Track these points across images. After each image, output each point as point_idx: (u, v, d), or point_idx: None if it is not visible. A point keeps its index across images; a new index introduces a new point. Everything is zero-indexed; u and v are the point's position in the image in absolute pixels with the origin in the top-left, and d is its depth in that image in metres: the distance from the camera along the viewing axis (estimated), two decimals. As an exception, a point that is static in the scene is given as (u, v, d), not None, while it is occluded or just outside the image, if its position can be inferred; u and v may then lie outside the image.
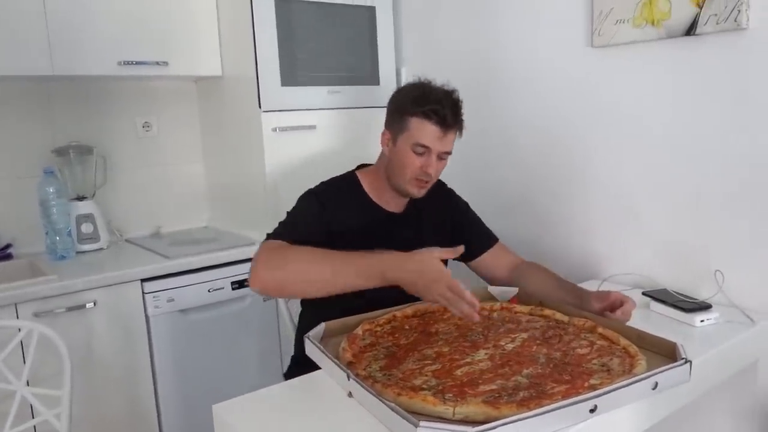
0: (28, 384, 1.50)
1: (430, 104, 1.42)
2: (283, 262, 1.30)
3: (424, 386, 1.02)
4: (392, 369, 1.10)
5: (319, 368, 1.17)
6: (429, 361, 1.13)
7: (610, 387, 0.95)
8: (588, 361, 1.11)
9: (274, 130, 2.13)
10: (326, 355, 1.13)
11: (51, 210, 2.06)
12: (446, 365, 1.11)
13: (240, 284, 2.13)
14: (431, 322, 1.34)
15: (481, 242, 1.63)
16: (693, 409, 1.39)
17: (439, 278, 1.18)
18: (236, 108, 2.29)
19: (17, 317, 1.73)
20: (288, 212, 1.50)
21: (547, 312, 1.35)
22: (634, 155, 1.70)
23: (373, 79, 2.37)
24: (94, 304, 1.86)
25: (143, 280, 1.95)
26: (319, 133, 2.25)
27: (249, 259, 2.10)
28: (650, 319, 1.45)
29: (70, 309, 1.81)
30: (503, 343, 1.20)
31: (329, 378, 1.14)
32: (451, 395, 0.97)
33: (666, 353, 1.11)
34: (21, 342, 1.54)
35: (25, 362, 1.50)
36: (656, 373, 1.00)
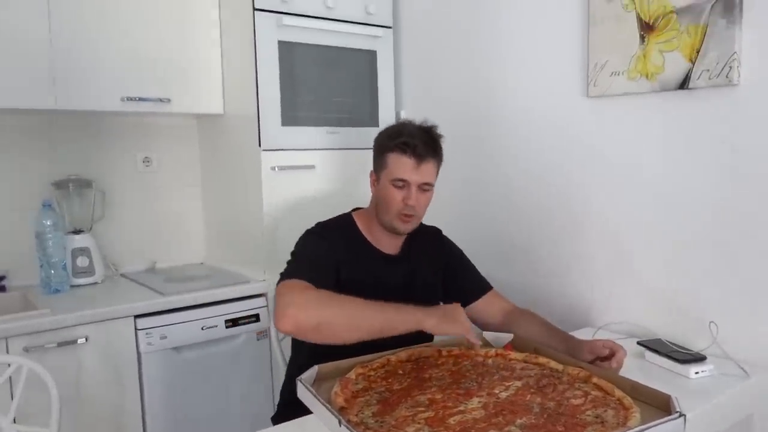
0: (15, 421, 1.48)
1: (402, 137, 1.48)
2: (325, 306, 1.30)
3: (416, 434, 1.00)
4: (385, 415, 1.09)
5: (309, 412, 1.16)
6: (422, 408, 1.12)
7: (604, 440, 0.94)
8: (582, 411, 1.10)
9: (273, 168, 2.15)
10: (318, 399, 1.12)
11: (47, 243, 2.06)
12: (439, 413, 1.10)
13: (234, 322, 2.11)
14: (425, 368, 1.33)
15: (474, 289, 1.64)
16: (688, 463, 1.38)
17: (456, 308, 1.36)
18: (236, 146, 2.31)
19: (7, 351, 1.71)
20: (295, 252, 1.50)
21: (542, 360, 1.35)
22: (628, 204, 1.72)
23: (372, 121, 2.40)
24: (86, 339, 1.84)
25: (136, 317, 1.94)
26: (318, 173, 2.27)
27: (243, 298, 2.14)
28: (645, 369, 1.45)
29: (61, 344, 1.80)
30: (497, 391, 1.19)
31: (320, 423, 1.12)
32: (443, 445, 0.96)
33: (660, 405, 1.10)
34: (9, 378, 1.52)
35: (12, 398, 1.48)
36: (650, 427, 0.99)
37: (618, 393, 1.15)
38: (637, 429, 0.98)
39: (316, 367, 1.27)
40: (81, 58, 2.03)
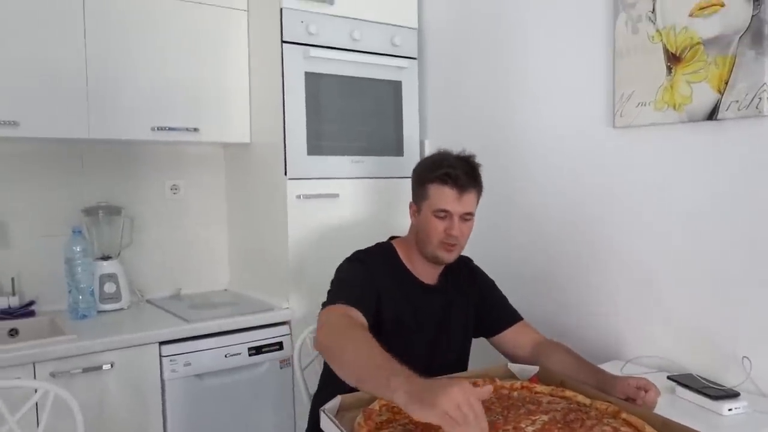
0: (39, 446, 1.49)
1: (443, 168, 1.49)
2: (342, 336, 1.28)
3: (441, 469, 0.99)
4: (409, 448, 1.08)
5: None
6: (447, 442, 1.10)
7: (635, 479, 0.91)
8: (611, 448, 1.07)
9: (299, 197, 2.17)
10: (341, 431, 1.11)
11: (76, 269, 2.10)
12: (464, 447, 1.07)
13: (257, 350, 2.11)
14: (449, 400, 1.31)
15: (505, 318, 1.64)
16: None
17: (463, 390, 0.98)
18: (262, 174, 2.34)
19: (34, 376, 1.73)
20: (336, 279, 1.52)
21: (569, 393, 1.32)
22: (656, 235, 1.70)
23: (397, 150, 2.42)
24: (111, 365, 1.85)
25: (161, 343, 1.95)
26: (342, 202, 2.28)
27: (267, 325, 2.14)
28: (676, 405, 1.41)
29: (86, 370, 1.81)
30: (523, 426, 1.17)
31: (344, 455, 1.11)
32: (469, 480, 0.94)
33: (693, 444, 1.07)
34: (36, 403, 1.53)
35: (38, 424, 1.49)
36: (683, 466, 0.96)
37: (648, 430, 1.12)
38: (669, 468, 0.95)
39: (339, 398, 1.26)
40: (114, 90, 2.09)
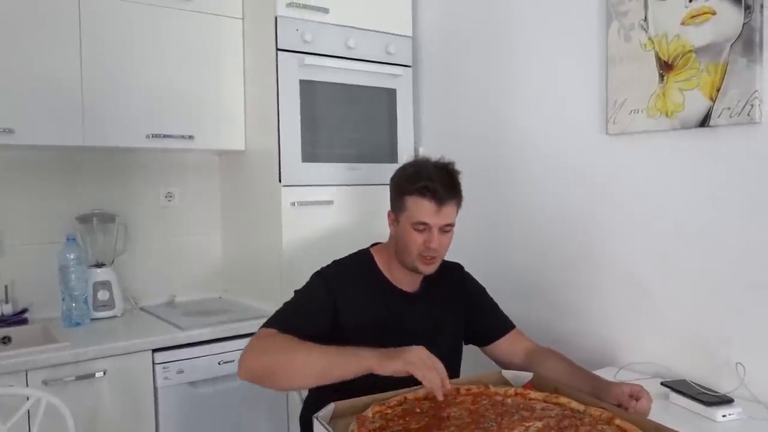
0: (31, 454, 1.48)
1: (422, 181, 1.45)
2: (271, 353, 1.33)
3: (434, 475, 0.98)
4: (402, 455, 1.07)
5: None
6: (440, 449, 1.10)
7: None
8: (605, 455, 1.07)
9: (293, 204, 2.17)
10: (335, 438, 1.11)
11: (69, 276, 2.09)
12: (458, 453, 1.07)
13: (251, 358, 2.10)
14: (443, 406, 1.31)
15: (497, 327, 1.62)
16: None
17: (422, 349, 1.25)
18: (257, 182, 2.34)
19: (27, 384, 1.72)
20: (294, 295, 1.53)
21: (563, 400, 1.32)
22: (650, 242, 1.70)
23: (391, 157, 2.42)
24: (104, 373, 1.84)
25: (154, 351, 1.94)
26: (336, 209, 2.28)
27: (261, 333, 2.13)
28: (669, 411, 1.41)
29: (79, 377, 1.80)
30: (517, 432, 1.17)
31: (337, 462, 1.10)
32: (462, 486, 0.94)
33: (686, 450, 1.07)
34: (28, 410, 1.53)
35: (30, 431, 1.48)
36: (676, 472, 0.96)
37: (642, 436, 1.12)
38: (662, 474, 0.95)
39: (332, 405, 1.26)
40: (109, 97, 2.09)
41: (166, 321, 2.15)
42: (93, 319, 2.16)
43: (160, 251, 2.51)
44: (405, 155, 2.44)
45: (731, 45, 1.48)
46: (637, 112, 1.69)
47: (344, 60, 2.27)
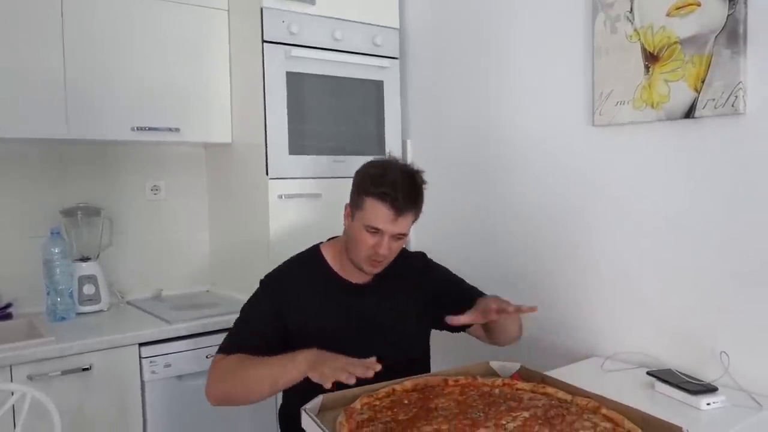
0: (16, 450, 1.47)
1: (384, 186, 1.41)
2: (226, 379, 1.41)
3: (422, 466, 0.99)
4: (390, 446, 1.07)
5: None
6: (428, 439, 1.10)
7: (614, 472, 0.91)
8: (591, 443, 1.08)
9: (280, 197, 2.16)
10: (322, 430, 1.11)
11: (54, 270, 2.07)
12: (445, 444, 1.08)
13: (238, 351, 2.10)
14: (431, 397, 1.31)
15: (464, 299, 1.57)
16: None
17: (336, 356, 1.28)
18: (244, 174, 2.33)
19: (11, 379, 1.70)
20: (240, 312, 1.57)
21: (550, 390, 1.32)
22: (636, 233, 1.71)
23: (379, 149, 2.41)
24: (90, 367, 1.83)
25: (141, 344, 1.93)
26: (324, 202, 2.28)
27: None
28: (655, 400, 1.43)
29: (65, 372, 1.79)
30: (504, 422, 1.17)
31: (325, 454, 1.10)
32: (449, 476, 0.94)
33: (671, 438, 1.08)
34: (12, 406, 1.51)
35: (15, 426, 1.47)
36: (661, 459, 0.97)
37: (628, 425, 1.13)
38: (647, 461, 0.96)
39: (320, 397, 1.26)
40: (93, 89, 2.07)
41: (153, 315, 2.14)
42: (79, 314, 2.14)
43: (147, 245, 2.49)
44: (392, 147, 2.44)
45: (716, 36, 1.49)
46: (623, 104, 1.70)
47: (331, 52, 2.26)
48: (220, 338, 2.03)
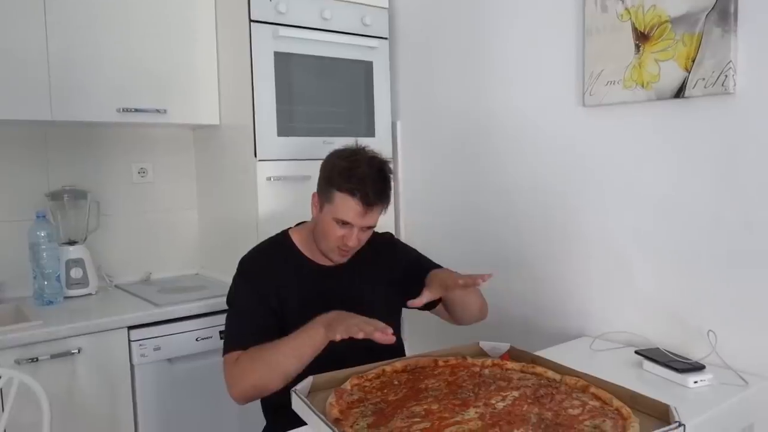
0: (5, 433, 1.46)
1: (353, 181, 1.41)
2: (250, 371, 1.37)
3: (412, 445, 0.99)
4: (380, 426, 1.08)
5: (302, 423, 1.15)
6: (418, 419, 1.10)
7: (603, 450, 0.92)
8: (580, 422, 1.08)
9: (269, 179, 2.14)
10: (312, 411, 1.11)
11: (41, 254, 2.05)
12: (435, 424, 1.08)
13: (228, 334, 2.09)
14: (421, 378, 1.32)
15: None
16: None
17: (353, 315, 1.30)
18: (232, 156, 2.30)
19: (-2, 364, 1.69)
20: (229, 303, 1.55)
21: (539, 370, 1.33)
22: (625, 214, 1.72)
23: (369, 131, 2.40)
24: (79, 351, 1.82)
25: (130, 328, 1.92)
26: (313, 184, 2.25)
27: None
28: (643, 379, 1.44)
29: (54, 356, 1.78)
30: (494, 402, 1.18)
31: (315, 435, 1.11)
32: (439, 456, 0.95)
33: (659, 415, 1.09)
34: (0, 390, 1.50)
35: (3, 410, 1.46)
36: (649, 437, 0.98)
37: (616, 403, 1.14)
38: (635, 439, 0.97)
39: (310, 378, 1.26)
40: (77, 70, 2.03)
41: (141, 298, 2.13)
42: (66, 298, 2.13)
43: (135, 228, 2.47)
44: (382, 128, 2.42)
45: (706, 15, 1.48)
46: (614, 84, 1.69)
47: (319, 32, 2.23)
48: (210, 321, 2.06)
